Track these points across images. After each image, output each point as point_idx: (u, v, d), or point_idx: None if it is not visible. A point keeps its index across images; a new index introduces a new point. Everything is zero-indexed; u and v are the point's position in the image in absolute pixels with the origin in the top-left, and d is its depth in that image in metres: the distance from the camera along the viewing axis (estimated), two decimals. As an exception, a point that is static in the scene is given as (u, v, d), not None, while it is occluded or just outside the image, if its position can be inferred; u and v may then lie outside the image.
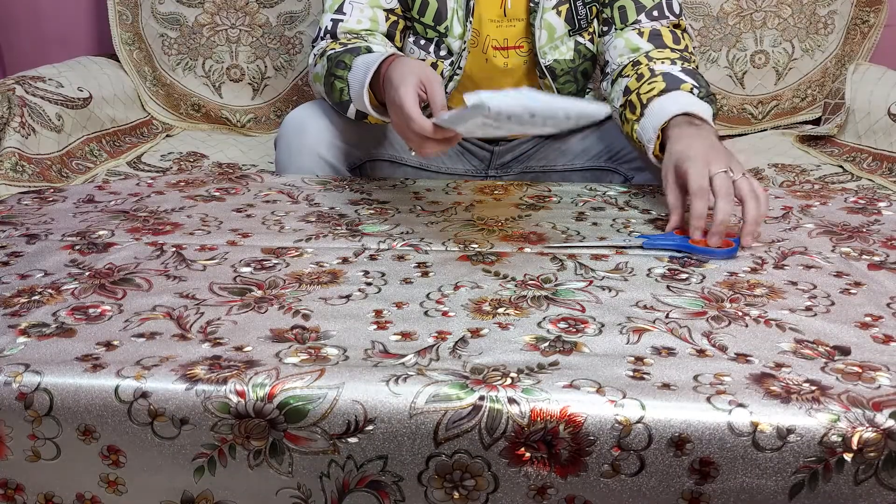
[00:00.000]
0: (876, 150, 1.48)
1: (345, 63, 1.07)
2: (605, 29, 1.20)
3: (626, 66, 1.14)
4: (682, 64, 1.10)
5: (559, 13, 1.19)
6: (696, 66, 1.15)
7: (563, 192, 1.10)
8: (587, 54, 1.23)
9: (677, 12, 1.17)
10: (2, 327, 0.70)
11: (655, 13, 1.16)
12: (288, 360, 0.65)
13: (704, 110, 1.00)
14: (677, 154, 0.93)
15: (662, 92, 1.04)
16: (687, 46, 1.15)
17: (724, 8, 1.69)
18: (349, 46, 1.10)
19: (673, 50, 1.13)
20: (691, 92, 1.03)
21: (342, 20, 1.19)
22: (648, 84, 1.07)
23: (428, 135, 0.88)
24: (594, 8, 1.21)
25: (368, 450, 0.61)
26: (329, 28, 1.19)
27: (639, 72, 1.10)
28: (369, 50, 1.07)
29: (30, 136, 1.39)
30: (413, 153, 0.93)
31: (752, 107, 1.74)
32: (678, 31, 1.16)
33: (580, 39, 1.22)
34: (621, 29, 1.17)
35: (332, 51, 1.12)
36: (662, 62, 1.10)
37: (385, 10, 1.21)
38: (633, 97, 1.08)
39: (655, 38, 1.14)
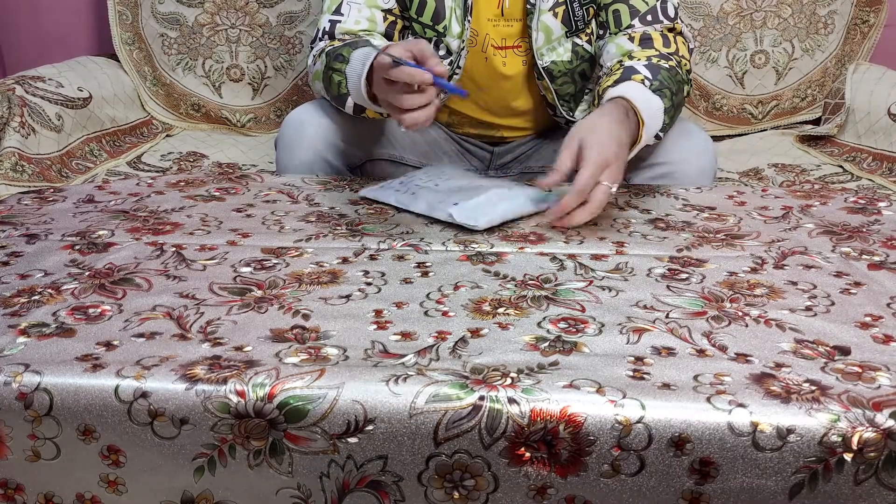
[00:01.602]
0: (876, 150, 1.48)
1: (343, 56, 1.07)
2: (601, 33, 1.21)
3: (612, 67, 1.14)
4: (657, 60, 1.10)
5: (556, 15, 1.19)
6: (687, 69, 1.14)
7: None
8: (585, 55, 1.23)
9: (672, 16, 1.16)
10: (2, 327, 0.70)
11: (649, 17, 1.16)
12: (288, 360, 0.65)
13: (642, 98, 1.01)
14: (585, 130, 0.93)
15: (616, 82, 1.05)
16: (678, 49, 1.14)
17: (724, 8, 1.69)
18: (347, 41, 1.11)
19: (659, 52, 1.13)
20: (642, 83, 1.04)
21: (340, 21, 1.19)
22: (608, 77, 1.09)
23: (417, 78, 0.89)
24: (591, 9, 1.20)
25: (368, 450, 0.61)
26: (327, 29, 1.19)
27: (613, 69, 1.11)
28: (368, 44, 1.08)
29: (30, 135, 1.39)
30: (402, 128, 0.94)
31: (752, 107, 1.74)
32: (670, 35, 1.16)
33: (577, 41, 1.22)
34: (615, 34, 1.17)
35: (331, 47, 1.12)
36: (639, 59, 1.10)
37: (383, 10, 1.21)
38: (597, 91, 1.11)
39: (645, 41, 1.15)
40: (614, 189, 0.92)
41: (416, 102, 0.91)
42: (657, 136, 1.06)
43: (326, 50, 1.13)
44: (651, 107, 1.01)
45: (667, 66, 1.09)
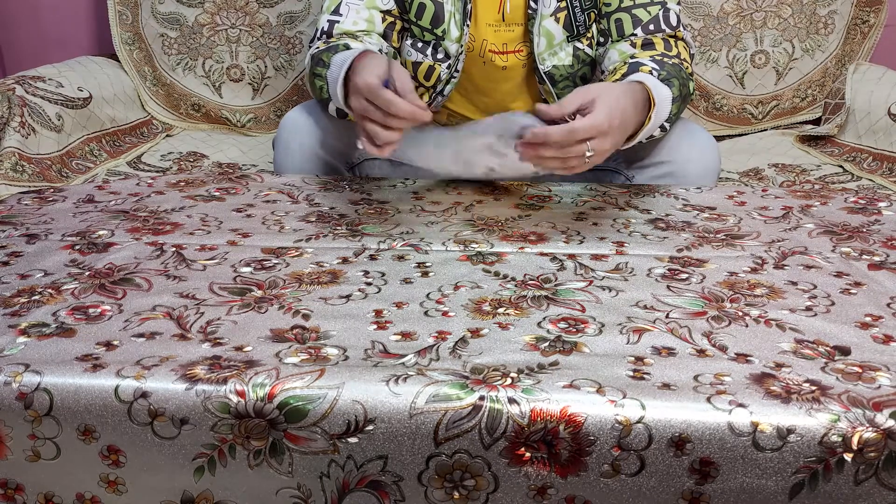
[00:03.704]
0: (876, 150, 1.48)
1: (323, 61, 1.08)
2: (602, 40, 1.21)
3: (616, 67, 1.14)
4: (660, 58, 1.10)
5: (557, 20, 1.19)
6: (689, 72, 1.14)
7: (563, 192, 1.10)
8: (586, 59, 1.23)
9: (674, 24, 1.16)
10: (2, 327, 0.70)
11: (651, 27, 1.16)
12: (288, 360, 0.65)
13: (653, 83, 1.02)
14: (606, 92, 0.93)
15: (624, 75, 1.07)
16: (679, 53, 1.14)
17: (724, 8, 1.69)
18: (330, 45, 1.12)
19: (661, 52, 1.13)
20: (650, 73, 1.05)
21: (339, 21, 1.19)
22: (613, 74, 1.10)
23: (396, 109, 0.86)
24: (592, 13, 1.20)
25: (368, 450, 0.61)
26: (326, 29, 1.19)
27: (617, 68, 1.12)
28: (347, 47, 1.08)
29: (30, 135, 1.39)
30: (361, 146, 0.91)
31: (752, 107, 1.74)
32: (672, 41, 1.16)
33: (579, 45, 1.22)
34: (617, 41, 1.17)
35: (317, 49, 1.13)
36: (642, 57, 1.11)
37: (382, 11, 1.21)
38: None
39: (647, 46, 1.15)
40: (590, 156, 0.89)
41: (385, 137, 0.89)
42: (662, 128, 1.05)
43: (312, 52, 1.14)
44: (661, 94, 1.02)
45: (671, 61, 1.10)
